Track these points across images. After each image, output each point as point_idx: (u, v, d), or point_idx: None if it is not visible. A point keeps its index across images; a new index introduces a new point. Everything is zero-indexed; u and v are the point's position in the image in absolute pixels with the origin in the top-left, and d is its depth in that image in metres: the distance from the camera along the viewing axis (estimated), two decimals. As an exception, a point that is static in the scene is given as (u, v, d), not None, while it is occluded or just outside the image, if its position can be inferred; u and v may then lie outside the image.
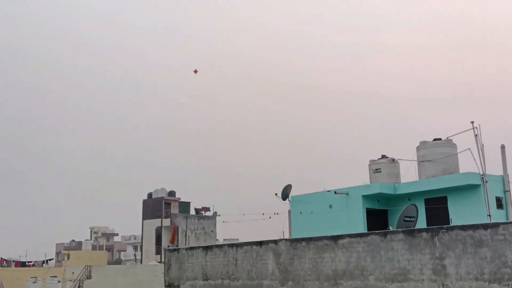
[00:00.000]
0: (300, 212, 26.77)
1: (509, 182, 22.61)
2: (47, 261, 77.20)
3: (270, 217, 38.74)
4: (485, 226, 6.21)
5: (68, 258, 70.87)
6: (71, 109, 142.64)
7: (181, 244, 48.77)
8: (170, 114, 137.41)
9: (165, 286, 11.78)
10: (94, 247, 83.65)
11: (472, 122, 21.64)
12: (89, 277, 45.15)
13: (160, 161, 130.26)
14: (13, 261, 77.41)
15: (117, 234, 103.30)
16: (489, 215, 20.51)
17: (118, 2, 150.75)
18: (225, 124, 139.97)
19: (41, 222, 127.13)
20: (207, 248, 11.05)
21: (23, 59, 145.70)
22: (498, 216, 21.08)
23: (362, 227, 23.33)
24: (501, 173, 22.60)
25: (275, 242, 9.97)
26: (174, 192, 60.86)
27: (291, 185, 26.24)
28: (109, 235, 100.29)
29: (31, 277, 48.31)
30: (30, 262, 74.99)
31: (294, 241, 9.61)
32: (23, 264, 72.62)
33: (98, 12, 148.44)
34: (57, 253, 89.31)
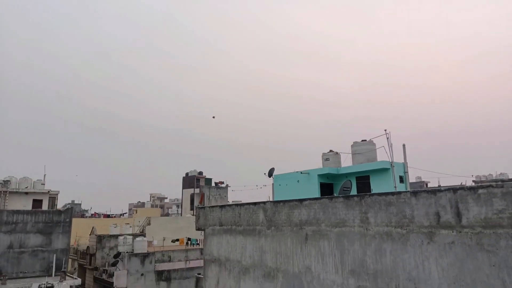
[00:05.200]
0: (279, 185, 27.65)
1: (407, 167, 24.78)
2: (123, 214, 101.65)
3: (261, 188, 57.41)
4: (392, 193, 7.26)
5: (136, 213, 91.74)
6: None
7: (206, 204, 60.81)
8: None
9: (196, 229, 14.00)
10: (152, 206, 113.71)
11: (385, 130, 24.38)
12: (149, 224, 56.63)
13: (194, 152, 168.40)
14: (102, 214, 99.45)
15: (166, 198, 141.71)
16: (395, 187, 23.41)
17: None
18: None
19: (120, 189, 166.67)
20: (222, 207, 12.96)
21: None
22: (400, 187, 23.96)
23: (317, 194, 24.58)
24: (402, 161, 25.16)
25: (264, 203, 11.37)
26: (202, 172, 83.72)
27: (274, 168, 27.90)
28: (161, 198, 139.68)
29: (113, 224, 57.80)
30: (113, 214, 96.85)
31: (275, 202, 10.98)
32: (108, 216, 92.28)
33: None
34: (129, 209, 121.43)
